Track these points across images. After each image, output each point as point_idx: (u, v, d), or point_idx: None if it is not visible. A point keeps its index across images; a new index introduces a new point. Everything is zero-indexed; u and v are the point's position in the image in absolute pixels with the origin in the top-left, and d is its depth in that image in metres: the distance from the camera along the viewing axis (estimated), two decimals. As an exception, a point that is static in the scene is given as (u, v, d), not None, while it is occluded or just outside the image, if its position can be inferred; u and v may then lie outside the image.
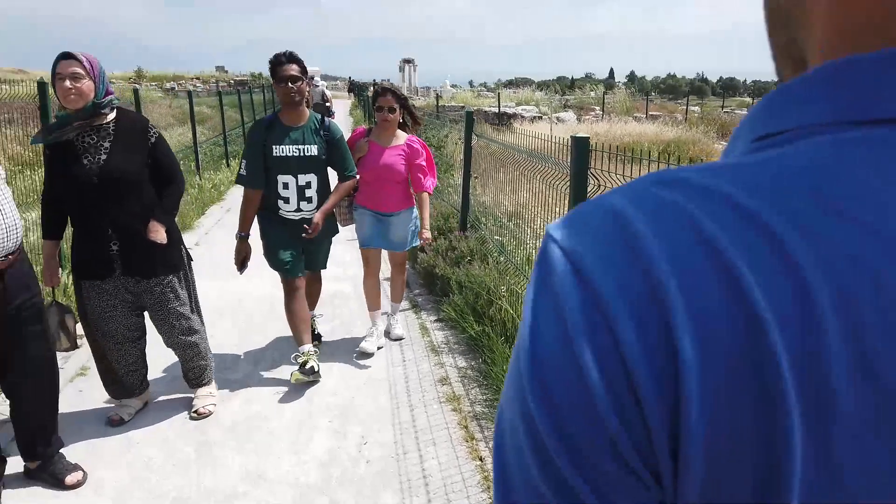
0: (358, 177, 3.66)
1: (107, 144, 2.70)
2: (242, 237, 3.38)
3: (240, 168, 3.35)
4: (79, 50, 2.70)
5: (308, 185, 3.35)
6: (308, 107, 3.45)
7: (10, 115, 5.26)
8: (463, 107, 19.97)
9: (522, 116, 22.36)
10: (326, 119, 3.42)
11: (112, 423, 2.97)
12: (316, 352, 3.50)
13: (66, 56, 2.64)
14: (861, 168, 0.31)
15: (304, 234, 3.33)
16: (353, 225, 3.83)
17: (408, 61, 56.67)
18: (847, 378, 0.29)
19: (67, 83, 2.60)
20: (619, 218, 0.34)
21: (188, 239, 6.56)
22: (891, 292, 0.29)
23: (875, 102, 0.32)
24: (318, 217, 3.36)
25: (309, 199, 3.38)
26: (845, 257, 0.29)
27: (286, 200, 3.35)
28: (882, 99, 0.32)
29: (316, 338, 3.95)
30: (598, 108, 28.88)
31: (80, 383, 3.40)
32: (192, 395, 3.18)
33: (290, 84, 3.19)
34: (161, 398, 3.24)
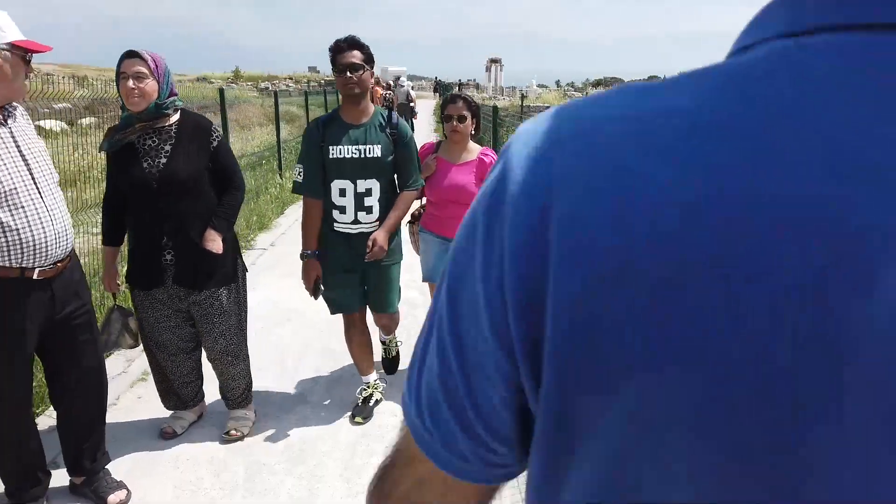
0: (424, 199, 3.30)
1: (167, 147, 2.59)
2: (307, 255, 2.88)
3: (296, 174, 2.91)
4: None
5: (368, 192, 2.84)
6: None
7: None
8: (548, 107, 19.49)
9: (610, 117, 21.57)
10: (395, 115, 2.94)
11: (165, 435, 2.87)
12: (381, 383, 3.26)
13: (130, 54, 2.55)
14: (767, 80, 0.32)
15: (365, 258, 2.87)
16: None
17: (494, 61, 56.46)
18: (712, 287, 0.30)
19: (131, 83, 2.50)
20: (553, 131, 0.37)
21: (265, 238, 6.59)
22: (742, 198, 0.30)
23: (808, 13, 0.33)
24: (379, 235, 2.82)
25: (368, 209, 2.85)
26: (716, 170, 0.31)
27: (342, 210, 2.84)
28: (813, 9, 0.33)
29: (391, 363, 3.53)
30: (691, 109, 27.59)
31: (140, 389, 3.34)
32: (230, 415, 2.99)
33: (348, 73, 2.73)
34: (216, 411, 3.12)
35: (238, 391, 2.95)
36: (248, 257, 5.91)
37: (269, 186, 8.37)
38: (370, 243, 2.82)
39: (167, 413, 3.00)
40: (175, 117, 2.65)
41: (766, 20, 0.35)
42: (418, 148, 3.12)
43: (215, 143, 2.69)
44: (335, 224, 2.89)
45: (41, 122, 7.72)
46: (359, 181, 2.82)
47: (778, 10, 0.35)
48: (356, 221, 2.87)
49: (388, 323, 3.20)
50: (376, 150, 2.82)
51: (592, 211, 0.33)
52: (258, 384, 3.24)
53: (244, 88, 29.44)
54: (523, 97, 26.67)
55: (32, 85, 4.78)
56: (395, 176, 2.95)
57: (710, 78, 0.34)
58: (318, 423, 3.08)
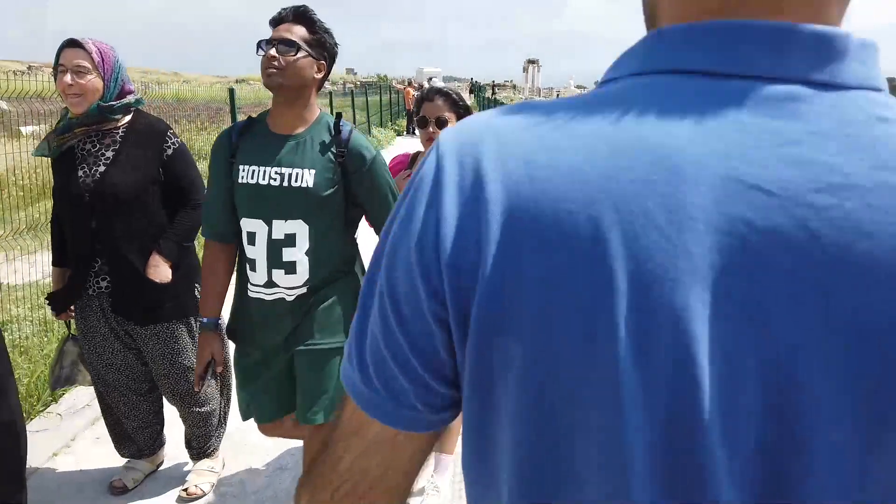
0: None
1: (109, 154, 2.18)
2: (204, 325, 1.95)
3: None
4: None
5: (289, 240, 1.82)
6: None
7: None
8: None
9: (650, 118, 20.84)
10: (346, 127, 1.89)
11: (114, 490, 2.45)
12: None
13: (71, 44, 2.14)
14: (611, 104, 0.45)
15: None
16: None
17: (532, 62, 55.77)
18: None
19: (68, 78, 2.10)
20: (476, 132, 0.47)
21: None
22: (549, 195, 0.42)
23: (646, 61, 0.46)
24: None
25: (289, 267, 1.83)
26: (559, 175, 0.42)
27: (252, 265, 1.87)
28: (649, 59, 0.46)
29: None
30: (736, 109, 26.66)
31: (100, 428, 2.92)
32: (192, 467, 2.56)
33: (273, 52, 1.76)
34: (177, 460, 2.69)
35: (203, 440, 2.52)
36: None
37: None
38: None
39: (123, 461, 2.59)
40: (126, 119, 2.24)
41: (623, 63, 0.48)
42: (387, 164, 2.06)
43: (170, 152, 2.26)
44: (249, 287, 1.90)
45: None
46: (275, 222, 1.82)
47: (630, 58, 0.48)
48: (270, 283, 1.85)
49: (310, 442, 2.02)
50: (307, 178, 1.80)
51: (495, 193, 0.43)
52: (231, 425, 2.81)
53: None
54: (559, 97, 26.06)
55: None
56: (365, 217, 1.99)
57: (579, 102, 0.47)
58: (296, 475, 2.64)
